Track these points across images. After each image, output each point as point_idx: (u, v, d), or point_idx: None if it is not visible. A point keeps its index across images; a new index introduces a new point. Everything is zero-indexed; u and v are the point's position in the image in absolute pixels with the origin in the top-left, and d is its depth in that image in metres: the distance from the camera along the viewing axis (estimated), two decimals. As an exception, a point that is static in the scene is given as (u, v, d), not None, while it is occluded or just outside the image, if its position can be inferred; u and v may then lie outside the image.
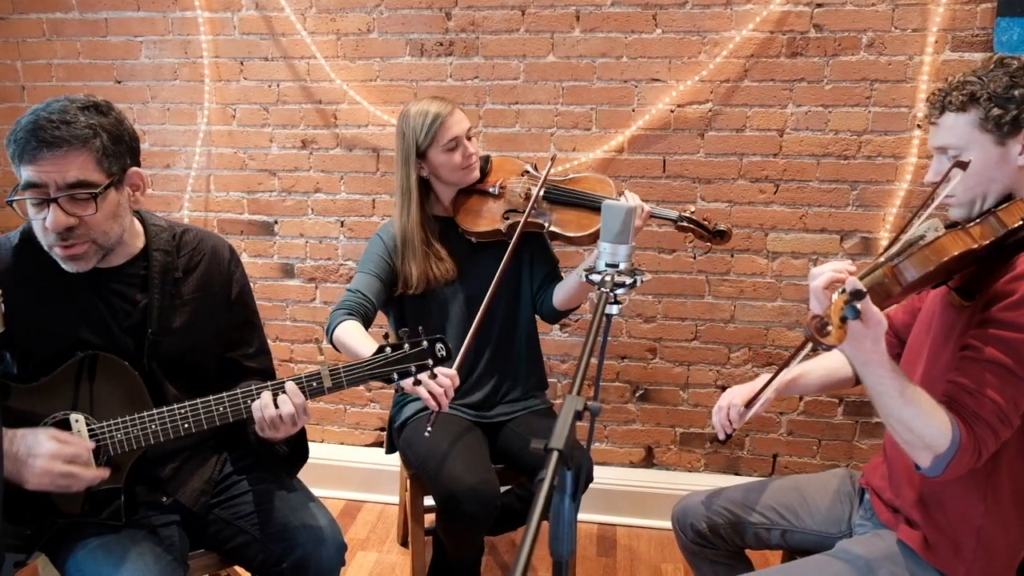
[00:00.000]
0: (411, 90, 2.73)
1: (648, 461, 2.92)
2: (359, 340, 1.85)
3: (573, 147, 2.67)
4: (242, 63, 2.80)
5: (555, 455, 0.97)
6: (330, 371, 1.55)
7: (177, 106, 2.88)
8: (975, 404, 1.32)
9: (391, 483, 2.86)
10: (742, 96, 2.55)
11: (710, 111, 2.58)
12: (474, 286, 2.08)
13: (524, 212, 2.01)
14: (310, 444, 3.08)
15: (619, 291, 1.36)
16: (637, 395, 2.85)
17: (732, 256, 2.67)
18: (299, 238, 2.93)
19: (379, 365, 1.58)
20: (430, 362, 1.60)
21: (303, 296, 2.98)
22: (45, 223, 1.41)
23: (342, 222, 2.89)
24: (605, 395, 2.85)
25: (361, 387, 3.04)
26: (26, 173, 1.39)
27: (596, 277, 1.36)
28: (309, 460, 2.95)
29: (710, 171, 2.63)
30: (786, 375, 1.70)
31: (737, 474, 2.87)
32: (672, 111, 2.59)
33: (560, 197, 2.05)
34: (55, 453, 1.41)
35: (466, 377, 2.13)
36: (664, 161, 2.65)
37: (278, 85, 2.80)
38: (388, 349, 1.59)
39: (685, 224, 2.02)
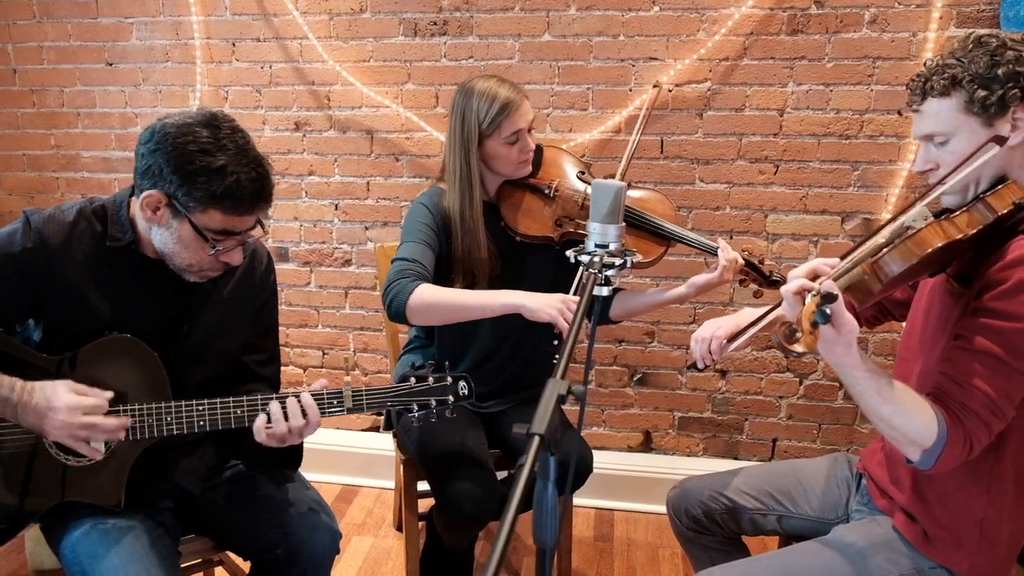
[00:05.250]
0: (405, 71, 2.68)
1: (646, 446, 2.90)
2: (458, 291, 1.79)
3: (569, 128, 2.63)
4: (234, 44, 2.76)
5: (536, 440, 0.94)
6: (352, 393, 1.56)
7: (169, 88, 2.85)
8: (964, 396, 1.29)
9: (388, 468, 2.84)
10: (741, 75, 2.50)
11: (709, 90, 2.53)
12: (512, 284, 1.92)
13: (576, 220, 1.93)
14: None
15: (609, 272, 1.33)
16: (635, 379, 2.83)
17: (732, 237, 2.63)
18: (293, 221, 2.90)
19: (403, 394, 1.60)
20: (450, 399, 1.61)
21: (298, 280, 2.96)
22: (225, 258, 1.49)
23: (336, 205, 2.86)
24: (603, 379, 2.83)
25: (365, 378, 3.02)
26: (229, 223, 1.44)
27: (585, 258, 1.33)
28: (306, 445, 2.96)
29: (709, 152, 2.59)
30: (774, 314, 1.63)
31: (736, 458, 2.84)
32: (670, 90, 2.54)
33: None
34: (74, 405, 1.39)
35: (474, 371, 2.07)
36: (662, 142, 2.60)
37: (270, 67, 2.76)
38: (413, 380, 1.61)
39: (745, 268, 1.93)
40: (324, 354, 3.02)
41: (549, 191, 1.97)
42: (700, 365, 1.69)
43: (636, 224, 1.96)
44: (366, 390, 1.57)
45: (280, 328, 2.96)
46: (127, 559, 1.41)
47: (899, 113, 2.43)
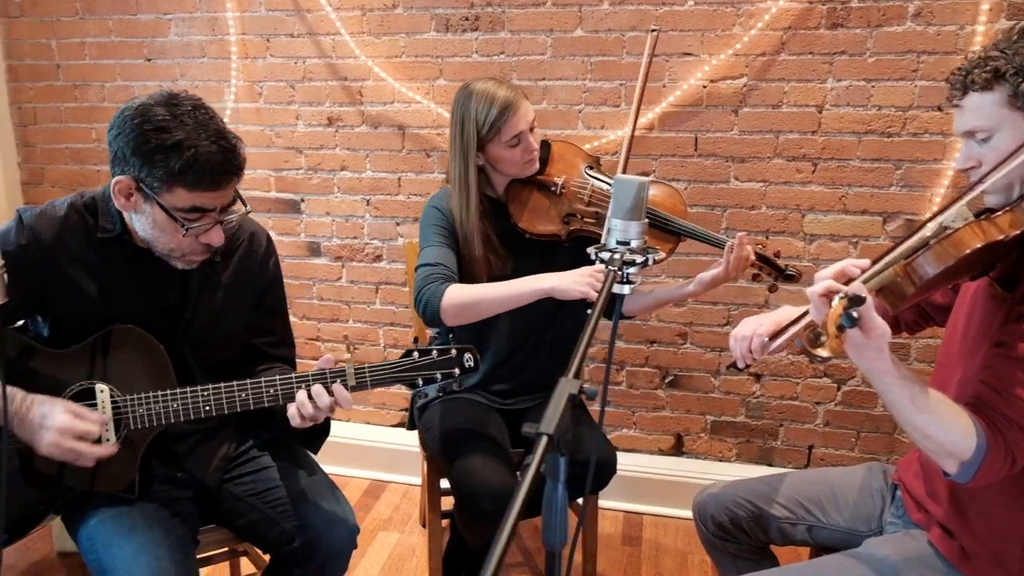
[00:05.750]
0: (437, 66, 2.67)
1: (677, 449, 2.84)
2: (487, 285, 1.78)
3: (601, 124, 2.59)
4: (268, 40, 2.78)
5: (544, 440, 0.91)
6: (355, 370, 1.53)
7: (205, 84, 2.87)
8: (1005, 406, 1.22)
9: (415, 464, 2.83)
10: (779, 70, 2.43)
11: (745, 86, 2.47)
12: None
13: (584, 218, 1.91)
14: (336, 423, 3.10)
15: (630, 270, 1.29)
16: (667, 381, 2.77)
17: (767, 238, 2.56)
18: (325, 216, 2.91)
19: (405, 369, 1.56)
20: (456, 371, 1.58)
21: (329, 275, 2.97)
22: (205, 239, 1.47)
23: (368, 200, 2.86)
24: (634, 380, 2.78)
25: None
26: (198, 199, 1.42)
27: (606, 255, 1.29)
28: (335, 439, 2.96)
29: (744, 149, 2.52)
30: None
31: (770, 465, 2.77)
32: (705, 87, 2.49)
33: None
34: (66, 428, 1.41)
35: (497, 367, 2.07)
36: (696, 139, 2.55)
37: (304, 62, 2.77)
38: (416, 354, 1.57)
39: (756, 261, 1.89)
40: (355, 349, 3.02)
41: (556, 188, 1.95)
42: (740, 364, 1.63)
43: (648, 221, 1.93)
44: (369, 366, 1.54)
45: (312, 322, 3.00)
46: (139, 548, 1.42)
47: (939, 108, 2.34)
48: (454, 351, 1.57)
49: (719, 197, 2.57)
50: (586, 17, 2.52)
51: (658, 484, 2.77)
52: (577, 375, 1.01)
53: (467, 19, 2.61)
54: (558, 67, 2.58)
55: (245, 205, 1.52)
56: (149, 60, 2.89)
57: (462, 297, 1.76)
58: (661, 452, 2.85)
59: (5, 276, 1.32)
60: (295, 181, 2.90)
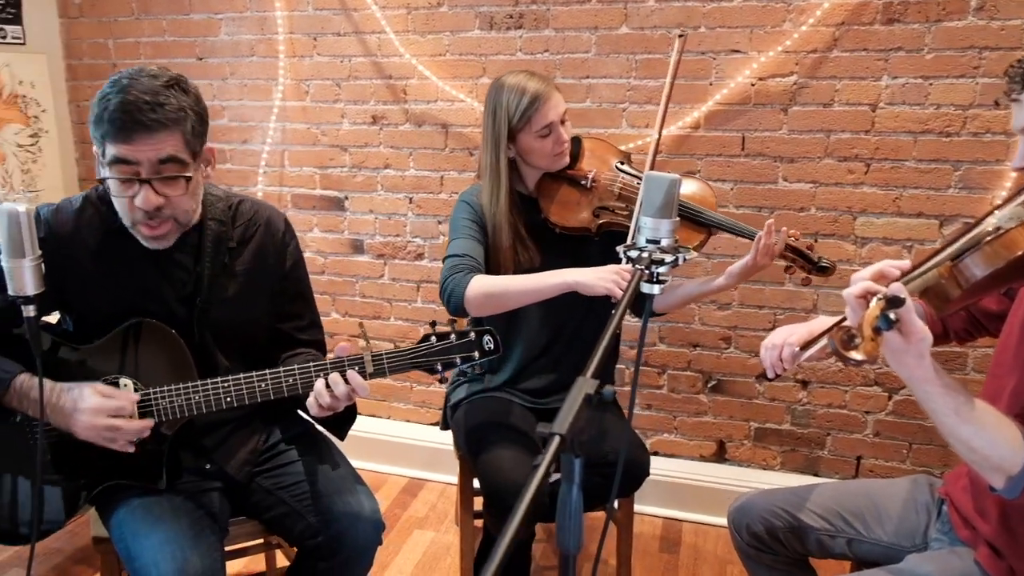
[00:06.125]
0: (480, 64, 2.66)
1: (720, 456, 2.77)
2: (511, 277, 1.78)
3: (646, 123, 2.55)
4: (315, 39, 2.81)
5: (556, 440, 0.89)
6: (373, 357, 1.51)
7: (254, 82, 2.92)
8: None
9: (453, 463, 2.82)
10: (830, 68, 2.35)
11: (795, 84, 2.39)
12: None
13: (615, 211, 1.90)
14: (376, 420, 3.12)
15: (661, 269, 1.26)
16: (709, 386, 2.71)
17: (816, 240, 2.48)
18: (368, 214, 2.93)
19: (423, 354, 1.53)
20: (476, 354, 1.54)
21: (372, 272, 2.98)
22: (135, 202, 1.42)
23: (410, 199, 2.87)
24: (675, 384, 2.73)
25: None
26: (116, 151, 1.39)
27: (634, 254, 1.26)
28: (375, 436, 2.99)
29: (793, 149, 2.45)
30: None
31: (816, 475, 2.69)
32: (753, 84, 2.42)
33: None
34: (99, 407, 1.44)
35: (529, 365, 2.06)
36: (743, 138, 2.48)
37: (350, 60, 2.80)
38: (433, 338, 1.54)
39: (788, 254, 1.88)
40: (395, 347, 3.03)
41: (586, 182, 1.96)
42: (770, 374, 1.58)
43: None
44: (387, 352, 1.52)
45: (355, 319, 3.03)
46: (165, 538, 1.43)
47: (996, 104, 2.23)
48: (473, 334, 1.53)
49: (766, 198, 2.50)
50: (631, 14, 2.48)
51: (698, 491, 2.70)
52: (596, 374, 0.99)
53: (511, 17, 2.60)
54: (602, 65, 2.55)
55: (188, 177, 1.44)
56: (200, 59, 2.96)
57: (487, 287, 1.76)
58: (702, 458, 2.79)
59: (42, 267, 1.36)
60: (339, 179, 2.92)
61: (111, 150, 1.40)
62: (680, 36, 2.08)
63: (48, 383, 1.45)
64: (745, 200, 2.52)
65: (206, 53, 2.95)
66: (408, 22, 2.70)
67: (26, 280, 1.34)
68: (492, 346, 1.54)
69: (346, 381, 1.47)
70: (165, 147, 1.40)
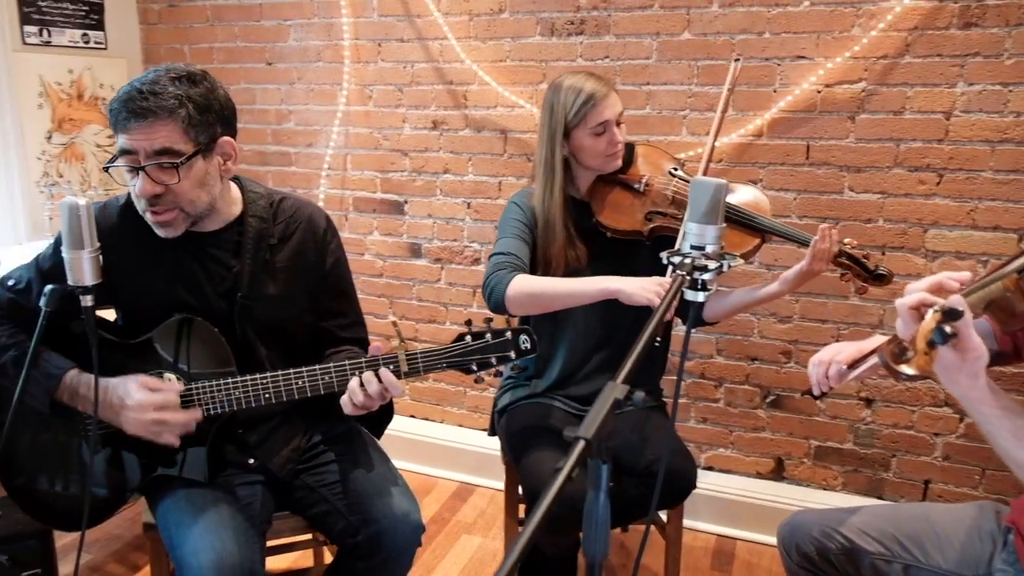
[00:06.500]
0: (540, 70, 2.66)
1: (778, 474, 2.69)
2: (554, 279, 1.80)
3: (706, 131, 2.49)
4: (380, 44, 2.86)
5: (580, 444, 0.87)
6: (407, 356, 1.51)
7: (320, 87, 2.99)
8: None
9: (503, 469, 2.82)
10: (902, 74, 2.26)
11: (863, 91, 2.31)
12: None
13: (667, 215, 1.89)
14: (429, 424, 3.13)
15: (705, 276, 1.22)
16: (768, 401, 2.63)
17: (883, 254, 2.39)
18: (427, 218, 2.95)
19: (458, 353, 1.51)
20: (512, 354, 1.52)
21: (429, 276, 3.01)
22: (135, 190, 1.47)
23: (468, 204, 2.88)
24: (732, 397, 2.66)
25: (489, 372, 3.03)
26: (120, 141, 1.45)
27: (678, 259, 1.23)
28: (427, 440, 3.01)
29: (861, 158, 2.36)
30: None
31: (881, 498, 2.57)
32: (819, 91, 2.35)
33: None
34: (145, 402, 1.49)
35: (576, 370, 2.04)
36: (808, 147, 2.41)
37: (412, 66, 2.83)
38: (469, 337, 1.52)
39: (843, 260, 1.84)
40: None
41: (639, 185, 1.95)
42: (815, 391, 1.53)
43: (729, 218, 1.90)
44: (421, 352, 1.51)
45: (411, 323, 3.05)
46: (206, 528, 1.46)
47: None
48: (509, 333, 1.51)
49: (831, 208, 2.42)
50: (694, 20, 2.44)
51: (754, 508, 2.62)
52: (627, 380, 0.96)
53: (572, 23, 2.59)
54: (663, 71, 2.51)
55: (179, 166, 1.45)
56: (270, 64, 3.04)
57: (528, 287, 1.77)
58: (759, 475, 2.70)
59: (99, 258, 1.41)
60: (400, 183, 2.96)
61: (119, 141, 1.46)
62: (736, 61, 2.04)
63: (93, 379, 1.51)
64: (809, 211, 2.45)
65: (275, 58, 3.03)
66: (470, 28, 2.72)
67: (85, 270, 1.39)
68: (529, 346, 1.51)
69: (379, 380, 1.47)
70: (158, 136, 1.42)
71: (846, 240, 1.85)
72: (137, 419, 1.49)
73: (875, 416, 2.52)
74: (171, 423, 1.50)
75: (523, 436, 1.89)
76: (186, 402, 1.55)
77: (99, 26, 3.05)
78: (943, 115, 2.26)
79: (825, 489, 2.63)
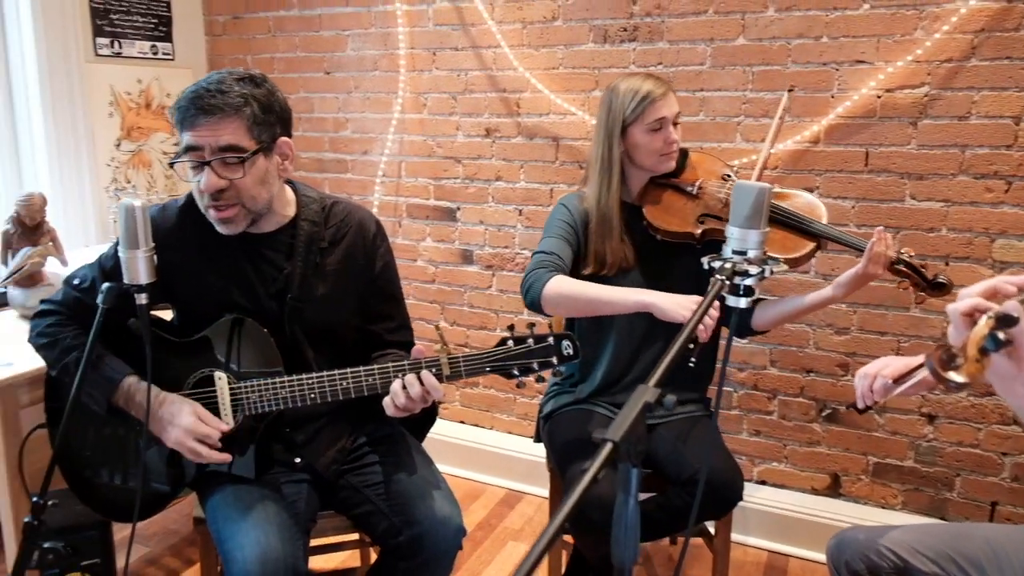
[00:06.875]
0: (593, 78, 2.65)
1: (834, 490, 2.61)
2: (592, 284, 1.80)
3: (762, 137, 2.45)
4: (434, 53, 2.90)
5: (607, 447, 0.86)
6: (449, 359, 1.52)
7: (376, 95, 3.04)
8: None
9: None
10: (967, 78, 2.18)
11: (926, 96, 2.24)
12: (651, 282, 1.91)
13: (720, 219, 1.88)
14: (479, 430, 3.14)
15: (747, 281, 1.20)
16: (824, 414, 2.56)
17: (947, 264, 2.30)
18: (479, 225, 2.97)
19: (500, 358, 1.52)
20: (554, 360, 1.52)
21: (480, 283, 3.02)
22: (200, 185, 1.52)
23: (520, 211, 2.89)
24: (786, 410, 2.59)
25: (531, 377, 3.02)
26: (186, 138, 1.51)
27: (717, 264, 1.21)
28: (477, 446, 3.02)
29: (923, 165, 2.28)
30: None
31: (943, 519, 2.47)
32: (879, 96, 2.28)
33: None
34: (190, 429, 1.54)
35: (620, 376, 2.02)
36: (867, 154, 2.34)
37: (466, 74, 2.86)
38: (511, 342, 1.52)
39: (901, 268, 1.79)
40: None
41: (692, 188, 1.95)
42: (860, 405, 1.50)
43: (782, 221, 1.88)
44: (464, 356, 1.52)
45: (461, 329, 3.07)
46: (250, 524, 1.50)
47: None
48: (551, 339, 1.50)
49: (891, 217, 2.35)
50: (749, 25, 2.40)
51: (809, 525, 2.55)
52: (659, 383, 0.95)
53: (625, 30, 2.58)
54: (717, 77, 2.48)
55: (244, 161, 1.50)
56: (328, 73, 3.11)
57: (565, 289, 1.78)
58: (814, 491, 2.63)
59: (154, 258, 1.46)
60: (452, 190, 2.99)
61: (184, 138, 1.51)
62: (789, 91, 2.02)
63: (154, 390, 1.57)
64: (868, 219, 2.37)
65: (333, 68, 3.10)
66: (523, 36, 2.73)
67: (140, 269, 1.44)
68: (571, 351, 1.51)
69: (421, 382, 1.48)
70: (224, 132, 1.48)
71: (903, 249, 1.80)
72: (178, 440, 1.55)
73: (938, 433, 2.43)
74: (205, 456, 1.55)
75: (566, 445, 1.88)
76: (236, 399, 1.59)
77: (167, 38, 3.17)
78: (1012, 120, 2.17)
79: (884, 508, 2.54)
